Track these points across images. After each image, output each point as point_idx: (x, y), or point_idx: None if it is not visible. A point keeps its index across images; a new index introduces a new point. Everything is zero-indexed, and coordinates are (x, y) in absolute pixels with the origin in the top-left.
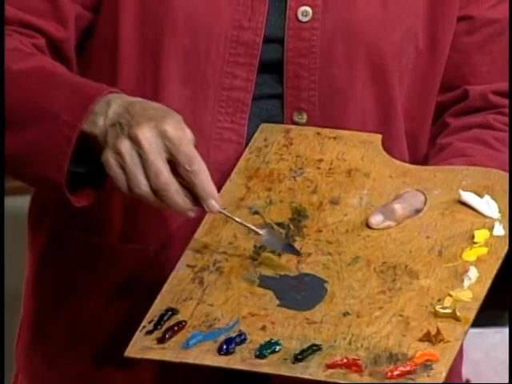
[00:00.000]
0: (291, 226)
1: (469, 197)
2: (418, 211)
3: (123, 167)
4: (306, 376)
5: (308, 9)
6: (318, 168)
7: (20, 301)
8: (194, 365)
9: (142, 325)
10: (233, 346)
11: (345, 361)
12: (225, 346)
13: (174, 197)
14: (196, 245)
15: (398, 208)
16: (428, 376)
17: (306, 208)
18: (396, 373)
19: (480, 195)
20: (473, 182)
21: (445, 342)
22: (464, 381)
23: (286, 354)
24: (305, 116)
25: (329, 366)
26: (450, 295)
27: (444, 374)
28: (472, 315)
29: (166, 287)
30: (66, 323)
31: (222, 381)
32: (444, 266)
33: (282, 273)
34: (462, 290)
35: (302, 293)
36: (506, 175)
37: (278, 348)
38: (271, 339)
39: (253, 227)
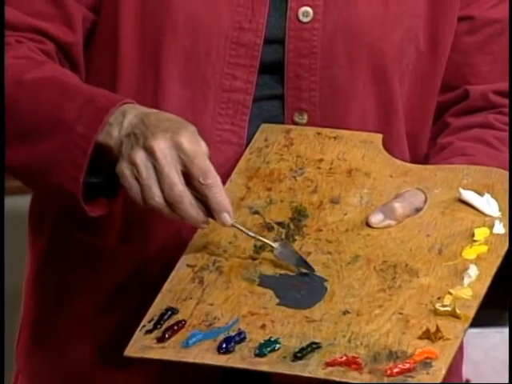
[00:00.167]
0: (291, 226)
1: (469, 195)
2: (418, 210)
3: (138, 178)
4: (305, 374)
5: (309, 9)
6: (319, 168)
7: (20, 301)
8: (194, 364)
9: (142, 324)
10: (232, 344)
11: (344, 359)
12: (224, 345)
13: (187, 209)
14: (196, 244)
15: (398, 207)
16: (427, 373)
17: (306, 207)
18: (395, 370)
19: (480, 194)
20: (473, 180)
21: (444, 340)
22: (464, 381)
23: (286, 352)
24: (305, 116)
25: (328, 364)
26: (450, 293)
27: (443, 372)
28: (472, 313)
29: (165, 286)
30: (66, 323)
31: (221, 380)
32: (444, 264)
33: (282, 272)
34: (462, 287)
35: (301, 292)
36: (507, 174)
37: (277, 346)
38: (271, 338)
39: (267, 241)
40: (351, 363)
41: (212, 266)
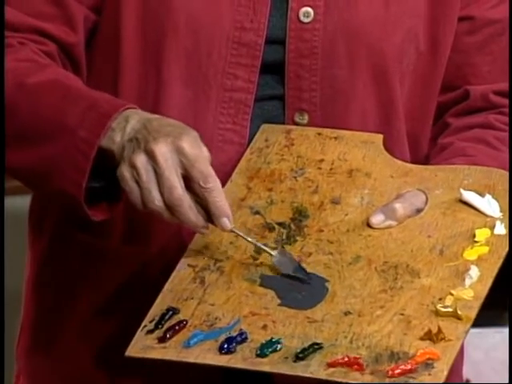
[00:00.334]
0: (292, 226)
1: (470, 196)
2: (419, 211)
3: (138, 182)
4: (307, 375)
5: (309, 10)
6: (319, 168)
7: (20, 301)
8: (195, 364)
9: (143, 324)
10: (234, 345)
11: (346, 359)
12: (226, 345)
13: (187, 213)
14: (197, 245)
15: (399, 207)
16: (429, 375)
17: (306, 208)
18: (397, 371)
19: (481, 194)
20: (474, 181)
21: (446, 341)
22: (464, 381)
23: (287, 352)
24: (306, 117)
25: (330, 365)
26: (452, 294)
27: (445, 373)
28: (473, 314)
29: (166, 287)
30: (66, 324)
31: (222, 381)
32: (445, 265)
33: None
34: (464, 288)
35: (303, 292)
36: (507, 174)
37: (279, 347)
38: (272, 338)
39: (265, 248)
40: (353, 364)
41: (213, 267)
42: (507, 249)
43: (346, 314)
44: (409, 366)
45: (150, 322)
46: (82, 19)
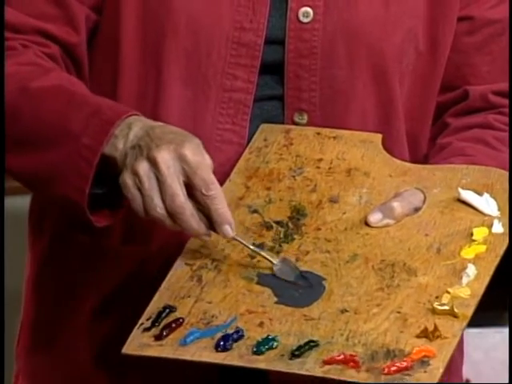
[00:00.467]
0: (290, 225)
1: (468, 195)
2: (417, 209)
3: (140, 189)
4: (302, 372)
5: (309, 10)
6: (318, 167)
7: (20, 301)
8: (192, 362)
9: (140, 322)
10: (230, 342)
11: (342, 357)
12: (222, 343)
13: (189, 220)
14: (195, 243)
15: (397, 206)
16: (425, 372)
17: (305, 206)
18: (393, 369)
19: (479, 193)
20: (472, 180)
21: (442, 339)
22: (464, 381)
23: (284, 350)
24: (305, 117)
25: (326, 362)
26: (448, 292)
27: (441, 370)
28: (470, 312)
29: (164, 285)
30: (66, 324)
31: (219, 379)
32: (442, 263)
33: None
34: (461, 287)
35: (299, 290)
36: (506, 174)
37: (275, 344)
38: (268, 336)
39: (267, 256)
40: (349, 361)
41: (210, 265)
42: (505, 247)
43: (343, 311)
44: (404, 364)
45: (147, 319)
46: (83, 19)
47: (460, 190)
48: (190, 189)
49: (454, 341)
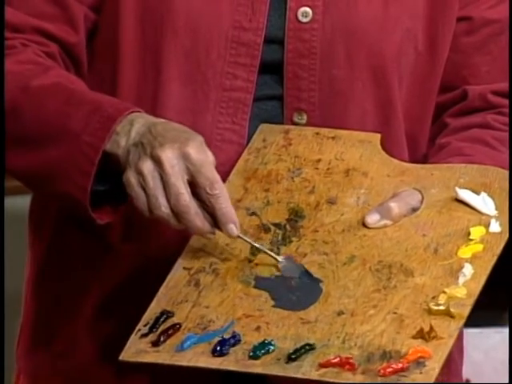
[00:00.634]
0: (288, 227)
1: (465, 194)
2: (414, 210)
3: (144, 188)
4: (298, 375)
5: (308, 9)
6: (316, 168)
7: (20, 301)
8: (188, 367)
9: (137, 328)
10: (227, 347)
11: (338, 360)
12: (219, 348)
13: (193, 219)
14: (193, 247)
15: (395, 207)
16: (421, 373)
17: (303, 208)
18: (389, 370)
19: (477, 193)
20: (470, 179)
21: (438, 339)
22: (464, 381)
23: (280, 354)
24: (305, 117)
25: (322, 365)
26: (445, 292)
27: (437, 371)
28: (466, 311)
29: (161, 290)
30: (66, 324)
31: (222, 380)
32: (439, 263)
33: (278, 274)
34: (457, 286)
35: (297, 293)
36: (504, 173)
37: (271, 348)
38: (265, 340)
39: (271, 254)
40: (345, 364)
41: (208, 269)
42: (502, 247)
43: (339, 314)
44: (400, 365)
45: (145, 325)
46: (82, 18)
47: (457, 189)
48: (194, 187)
49: (450, 341)
